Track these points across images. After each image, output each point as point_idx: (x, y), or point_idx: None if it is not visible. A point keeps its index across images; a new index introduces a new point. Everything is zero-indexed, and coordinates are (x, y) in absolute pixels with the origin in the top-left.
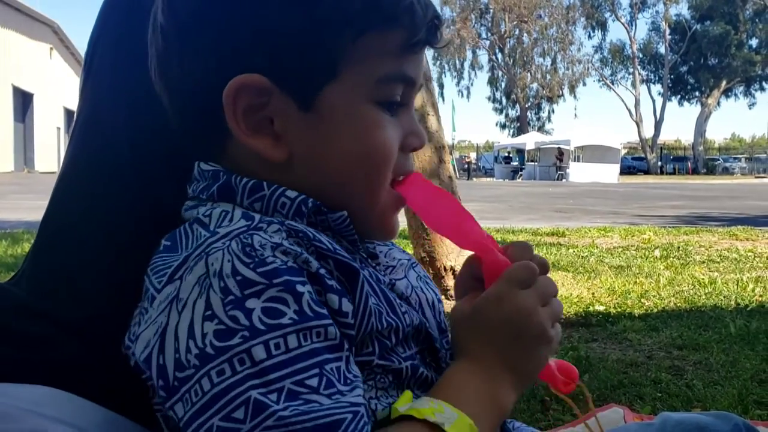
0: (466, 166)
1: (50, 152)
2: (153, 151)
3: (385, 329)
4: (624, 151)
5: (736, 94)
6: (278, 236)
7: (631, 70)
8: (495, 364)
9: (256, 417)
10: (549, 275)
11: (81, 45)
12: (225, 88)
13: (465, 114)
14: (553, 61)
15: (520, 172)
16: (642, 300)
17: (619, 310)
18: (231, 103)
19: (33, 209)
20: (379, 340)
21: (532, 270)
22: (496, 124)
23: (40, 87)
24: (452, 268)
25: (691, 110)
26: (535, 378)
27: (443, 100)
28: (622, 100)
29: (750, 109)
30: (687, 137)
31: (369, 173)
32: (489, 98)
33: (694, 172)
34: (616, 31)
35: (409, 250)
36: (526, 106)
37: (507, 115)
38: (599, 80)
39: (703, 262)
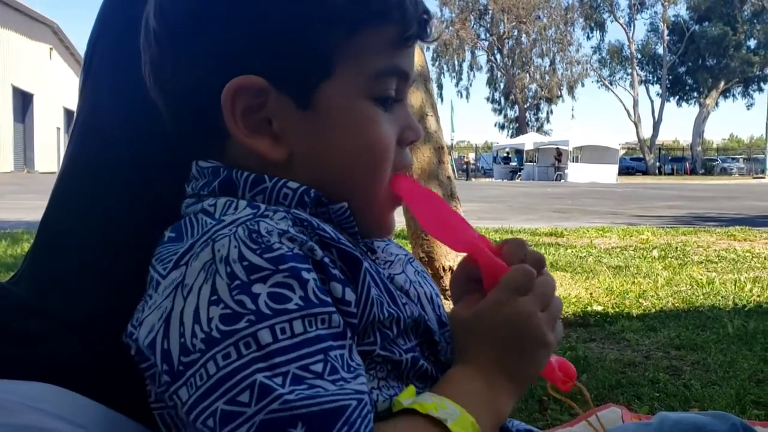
0: (464, 166)
1: (50, 152)
2: (152, 151)
3: (386, 319)
4: (622, 152)
5: (734, 95)
6: (284, 223)
7: (629, 70)
8: (494, 371)
9: (262, 400)
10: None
11: (81, 45)
12: (222, 90)
13: (464, 114)
14: (552, 62)
15: (518, 173)
16: (640, 300)
17: (617, 310)
18: (229, 105)
19: (33, 209)
20: (381, 331)
21: (529, 275)
22: (495, 125)
23: (39, 87)
24: (451, 268)
25: (690, 111)
26: (535, 381)
27: (442, 100)
28: (621, 101)
29: (748, 109)
30: (685, 138)
31: (368, 169)
32: (488, 99)
33: (693, 172)
34: (615, 32)
35: (408, 250)
36: (525, 106)
37: (506, 116)
38: (598, 81)
39: (701, 263)
